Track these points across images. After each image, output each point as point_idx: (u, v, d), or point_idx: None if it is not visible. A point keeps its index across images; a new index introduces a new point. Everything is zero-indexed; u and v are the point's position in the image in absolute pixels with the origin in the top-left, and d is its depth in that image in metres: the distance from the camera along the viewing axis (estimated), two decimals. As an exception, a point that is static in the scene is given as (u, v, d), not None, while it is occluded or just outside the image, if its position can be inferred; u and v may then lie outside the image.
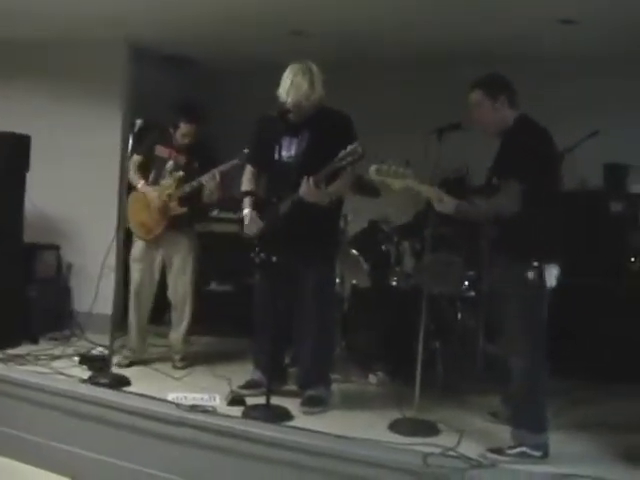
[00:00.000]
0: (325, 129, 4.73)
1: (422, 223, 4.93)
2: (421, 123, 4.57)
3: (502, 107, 4.22)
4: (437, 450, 4.04)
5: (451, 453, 4.02)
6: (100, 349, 5.85)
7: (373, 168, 4.24)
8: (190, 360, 5.93)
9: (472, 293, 5.75)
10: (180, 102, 5.91)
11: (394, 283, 5.86)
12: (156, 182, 5.75)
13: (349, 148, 4.50)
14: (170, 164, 5.75)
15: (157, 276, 5.86)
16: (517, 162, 4.01)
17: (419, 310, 4.57)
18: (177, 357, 5.91)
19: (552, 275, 4.04)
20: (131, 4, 5.91)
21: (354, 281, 6.07)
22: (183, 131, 5.70)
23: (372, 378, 5.60)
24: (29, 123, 6.54)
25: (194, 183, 5.57)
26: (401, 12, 5.73)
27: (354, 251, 5.94)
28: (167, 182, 5.69)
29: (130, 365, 5.74)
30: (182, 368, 5.79)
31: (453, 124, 4.47)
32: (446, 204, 4.14)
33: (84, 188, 6.67)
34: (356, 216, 6.13)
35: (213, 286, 7.06)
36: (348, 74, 6.95)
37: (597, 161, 6.19)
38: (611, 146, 6.01)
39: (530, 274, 3.98)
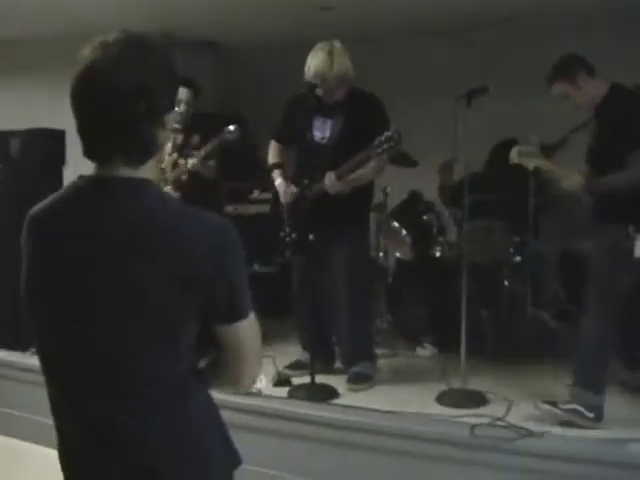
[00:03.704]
0: (359, 113, 4.67)
1: (463, 190, 4.82)
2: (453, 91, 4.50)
3: (585, 84, 4.10)
4: (485, 421, 3.96)
5: (499, 423, 3.94)
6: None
7: (515, 151, 4.22)
8: None
9: (518, 259, 5.62)
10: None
11: (438, 254, 5.75)
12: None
13: (385, 135, 4.42)
14: (168, 146, 5.58)
15: None
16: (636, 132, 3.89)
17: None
18: None
19: None
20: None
21: (397, 254, 5.98)
22: (180, 96, 5.51)
23: (420, 350, 5.53)
24: (59, 117, 6.55)
25: (180, 170, 5.39)
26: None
27: (395, 223, 5.84)
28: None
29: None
30: None
31: (481, 87, 4.38)
32: (574, 181, 4.06)
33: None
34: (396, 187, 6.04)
35: (256, 268, 7.01)
36: (377, 46, 6.85)
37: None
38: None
39: (623, 241, 3.88)
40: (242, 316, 1.80)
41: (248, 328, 1.83)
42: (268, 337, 6.07)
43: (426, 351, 5.51)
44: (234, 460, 1.92)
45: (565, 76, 4.11)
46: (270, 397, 4.50)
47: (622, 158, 3.88)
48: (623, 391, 4.48)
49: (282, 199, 4.88)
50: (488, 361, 5.07)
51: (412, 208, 5.97)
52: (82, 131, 1.74)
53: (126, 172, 1.73)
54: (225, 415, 4.39)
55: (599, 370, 4.01)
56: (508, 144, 5.45)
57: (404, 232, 5.80)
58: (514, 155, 4.20)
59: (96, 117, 1.70)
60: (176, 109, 5.43)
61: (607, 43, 5.76)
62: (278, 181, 4.93)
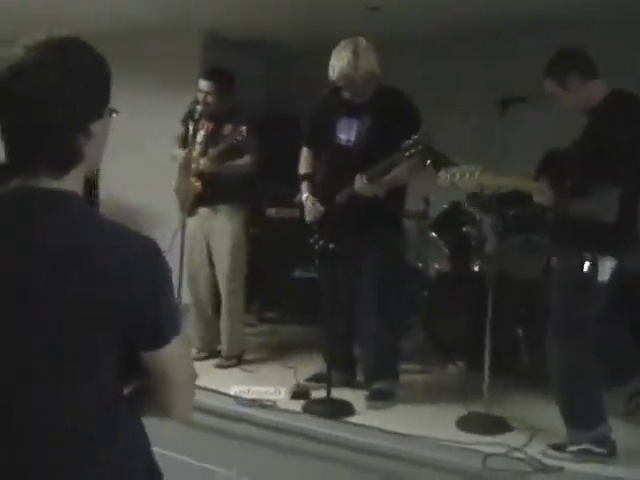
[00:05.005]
0: (387, 112, 4.44)
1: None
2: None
3: (576, 87, 3.66)
4: (502, 450, 3.72)
5: (516, 455, 3.69)
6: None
7: (441, 178, 3.78)
8: (235, 360, 5.37)
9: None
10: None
11: (476, 268, 5.49)
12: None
13: (413, 139, 4.17)
14: (200, 135, 5.34)
15: (206, 257, 5.43)
16: (611, 162, 3.44)
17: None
18: (223, 353, 5.40)
19: (606, 269, 3.55)
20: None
21: (436, 265, 5.75)
22: (200, 86, 5.28)
23: (452, 368, 5.28)
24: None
25: (203, 165, 5.20)
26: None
27: (433, 234, 5.62)
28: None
29: (205, 358, 5.37)
30: (225, 367, 5.27)
31: (518, 96, 4.11)
32: (546, 196, 3.66)
33: (160, 177, 6.49)
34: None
35: (297, 273, 6.82)
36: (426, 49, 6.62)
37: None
38: None
39: (584, 266, 3.55)
40: (166, 341, 1.67)
41: (174, 353, 1.70)
42: (296, 346, 5.95)
43: (458, 369, 5.25)
44: None
45: (554, 77, 3.70)
46: (283, 411, 4.34)
47: (604, 174, 3.45)
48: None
49: (306, 216, 4.70)
50: (520, 384, 4.80)
51: (452, 219, 5.72)
52: (3, 137, 1.62)
53: (50, 183, 1.61)
54: (233, 426, 4.26)
55: (588, 402, 3.66)
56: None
57: (442, 243, 5.57)
58: (442, 182, 3.75)
59: (15, 123, 1.60)
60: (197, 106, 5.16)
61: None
62: (304, 196, 4.75)
